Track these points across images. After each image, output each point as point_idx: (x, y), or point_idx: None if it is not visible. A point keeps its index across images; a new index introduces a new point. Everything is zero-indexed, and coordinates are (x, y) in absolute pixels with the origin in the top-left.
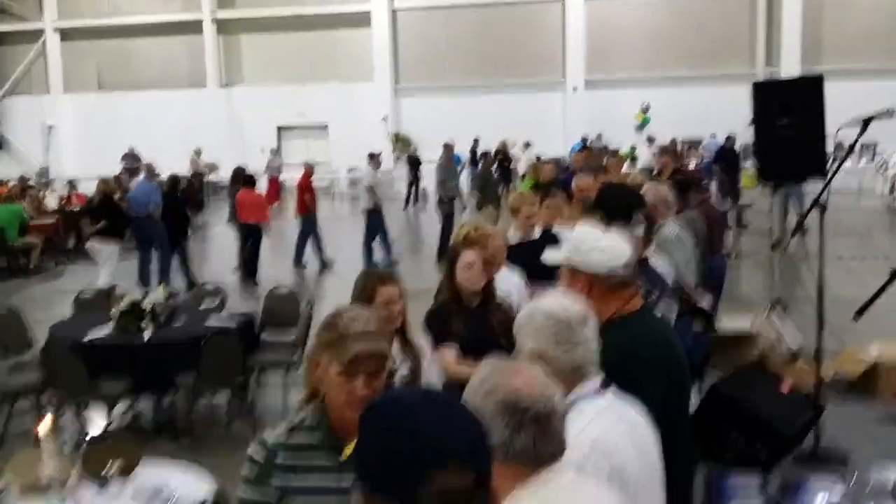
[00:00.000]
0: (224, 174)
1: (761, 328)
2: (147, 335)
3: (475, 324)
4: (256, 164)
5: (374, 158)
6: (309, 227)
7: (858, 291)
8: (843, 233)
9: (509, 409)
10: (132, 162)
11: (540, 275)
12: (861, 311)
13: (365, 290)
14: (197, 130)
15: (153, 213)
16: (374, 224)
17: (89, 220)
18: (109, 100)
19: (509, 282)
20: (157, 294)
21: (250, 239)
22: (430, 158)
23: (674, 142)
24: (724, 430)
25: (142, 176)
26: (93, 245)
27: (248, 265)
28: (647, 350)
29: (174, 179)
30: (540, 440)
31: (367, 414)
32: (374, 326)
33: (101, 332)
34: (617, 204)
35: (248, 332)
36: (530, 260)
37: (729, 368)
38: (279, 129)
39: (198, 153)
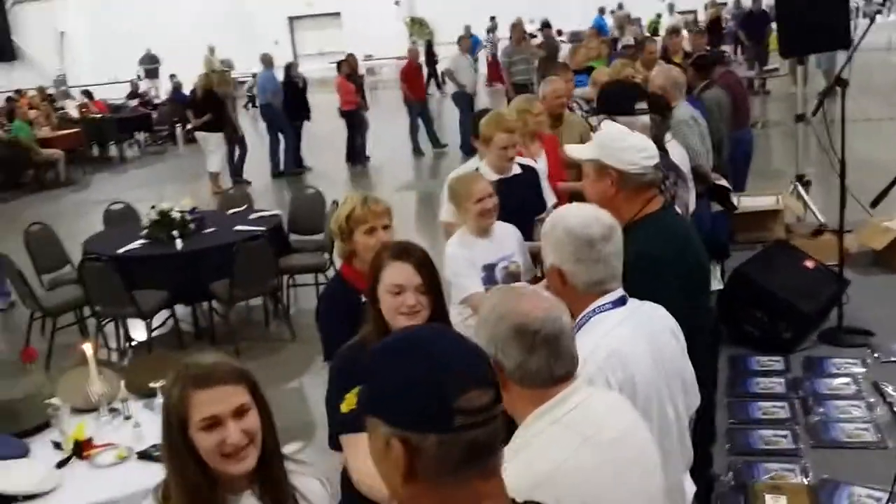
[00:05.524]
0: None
1: (786, 203)
2: (179, 245)
3: None
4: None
5: (460, 42)
6: (415, 113)
7: (888, 154)
8: (871, 92)
9: (521, 332)
10: (151, 63)
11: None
12: (876, 202)
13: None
14: (207, 28)
15: (272, 101)
16: (463, 107)
17: (193, 113)
18: (117, 1)
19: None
20: (184, 202)
21: (348, 125)
22: (447, 41)
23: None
24: (749, 312)
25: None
26: (202, 136)
27: (349, 150)
28: (662, 249)
29: (287, 67)
30: (553, 360)
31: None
32: None
33: (134, 244)
34: (615, 101)
35: (277, 235)
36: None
37: (753, 245)
38: (290, 19)
39: (211, 51)
